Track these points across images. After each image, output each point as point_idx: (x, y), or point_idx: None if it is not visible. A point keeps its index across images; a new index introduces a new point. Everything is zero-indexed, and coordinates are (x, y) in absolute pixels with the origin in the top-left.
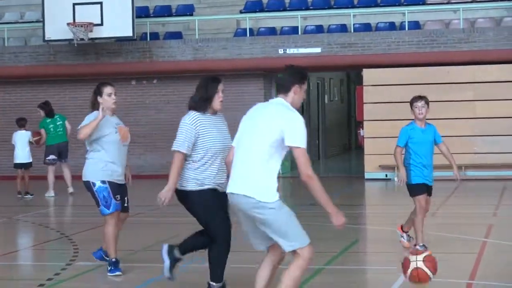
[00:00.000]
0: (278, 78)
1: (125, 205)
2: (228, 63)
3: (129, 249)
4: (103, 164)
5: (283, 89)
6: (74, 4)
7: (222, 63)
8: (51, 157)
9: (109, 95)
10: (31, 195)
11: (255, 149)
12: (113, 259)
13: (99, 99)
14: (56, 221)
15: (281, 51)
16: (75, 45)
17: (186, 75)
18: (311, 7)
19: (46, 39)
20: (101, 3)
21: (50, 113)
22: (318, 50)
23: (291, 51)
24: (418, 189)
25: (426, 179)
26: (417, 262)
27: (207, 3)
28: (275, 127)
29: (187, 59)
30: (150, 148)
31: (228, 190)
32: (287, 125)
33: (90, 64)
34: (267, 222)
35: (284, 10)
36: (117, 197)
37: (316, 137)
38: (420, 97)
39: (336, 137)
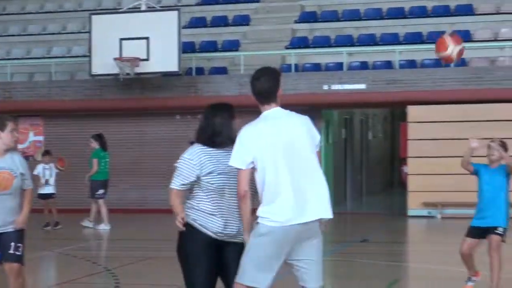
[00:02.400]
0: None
1: (9, 252)
2: None
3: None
4: None
5: (272, 98)
6: (120, 39)
7: None
8: (101, 191)
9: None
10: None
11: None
12: None
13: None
14: (97, 254)
15: (326, 87)
16: (121, 79)
17: None
18: (356, 44)
19: (92, 73)
20: (147, 38)
21: (104, 146)
22: (362, 86)
23: (336, 87)
24: None
25: None
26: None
27: (252, 38)
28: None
29: (232, 94)
30: None
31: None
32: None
33: (135, 99)
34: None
35: (329, 46)
36: None
37: (359, 173)
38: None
39: (379, 173)
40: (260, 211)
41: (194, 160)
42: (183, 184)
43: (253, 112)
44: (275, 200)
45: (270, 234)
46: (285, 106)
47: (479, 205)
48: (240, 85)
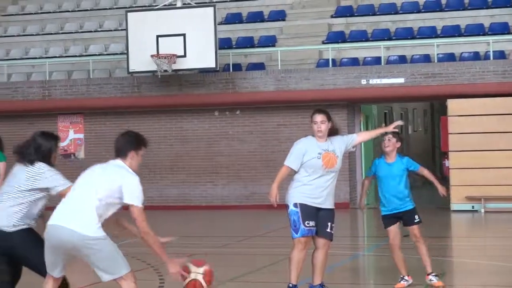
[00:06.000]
0: (116, 141)
1: (327, 230)
2: (311, 93)
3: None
4: (299, 186)
5: (121, 154)
6: (157, 36)
7: (305, 94)
8: None
9: (315, 123)
10: None
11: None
12: (291, 285)
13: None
14: (140, 251)
15: (364, 81)
16: (159, 76)
17: (268, 106)
18: (394, 38)
19: (130, 71)
20: (184, 35)
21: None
22: (401, 80)
23: (374, 81)
24: None
25: None
26: (197, 274)
27: (289, 34)
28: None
29: (269, 90)
30: (233, 179)
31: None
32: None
33: (173, 96)
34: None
35: (367, 40)
36: (308, 223)
37: None
38: None
39: None
40: None
41: None
42: None
43: (291, 108)
44: None
45: None
46: (324, 101)
47: None
48: (277, 80)
